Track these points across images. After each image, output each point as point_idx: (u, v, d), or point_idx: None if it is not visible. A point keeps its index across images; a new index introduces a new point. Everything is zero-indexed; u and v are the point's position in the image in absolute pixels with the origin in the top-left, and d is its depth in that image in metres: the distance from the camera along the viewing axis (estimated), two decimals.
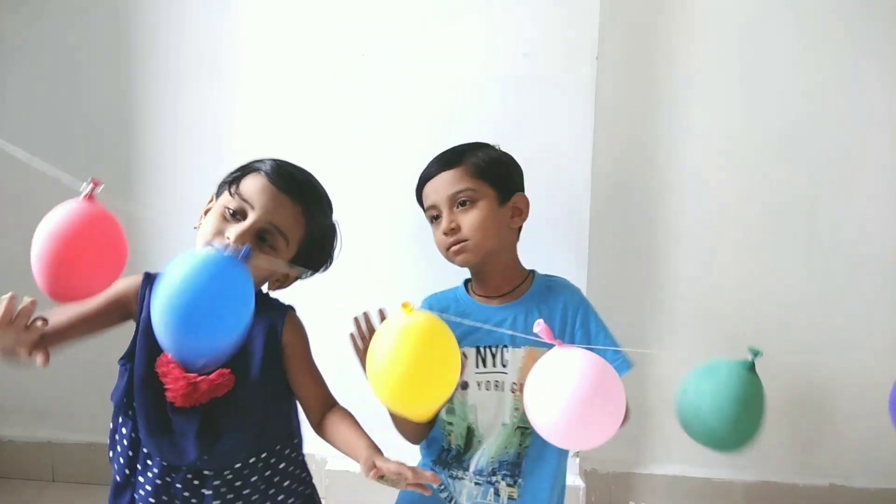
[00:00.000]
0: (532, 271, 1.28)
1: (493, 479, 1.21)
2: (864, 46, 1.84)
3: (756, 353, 0.89)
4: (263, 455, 1.11)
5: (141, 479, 1.07)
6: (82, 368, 2.11)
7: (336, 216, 1.19)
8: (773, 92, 1.86)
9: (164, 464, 1.06)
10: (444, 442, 1.25)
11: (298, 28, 1.90)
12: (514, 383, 1.19)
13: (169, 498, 1.07)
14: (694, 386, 0.90)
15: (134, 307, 1.09)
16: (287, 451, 1.15)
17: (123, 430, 1.09)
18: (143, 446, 1.07)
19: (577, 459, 1.87)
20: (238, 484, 1.09)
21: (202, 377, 1.03)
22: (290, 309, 1.16)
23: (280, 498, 1.14)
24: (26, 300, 0.91)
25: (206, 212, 1.11)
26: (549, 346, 1.16)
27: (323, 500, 1.26)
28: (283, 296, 1.18)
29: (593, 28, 1.72)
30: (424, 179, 1.24)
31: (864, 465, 1.95)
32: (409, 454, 1.27)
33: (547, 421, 0.79)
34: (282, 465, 1.14)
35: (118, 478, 1.10)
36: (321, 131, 1.87)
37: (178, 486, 1.07)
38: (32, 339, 0.92)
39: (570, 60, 1.74)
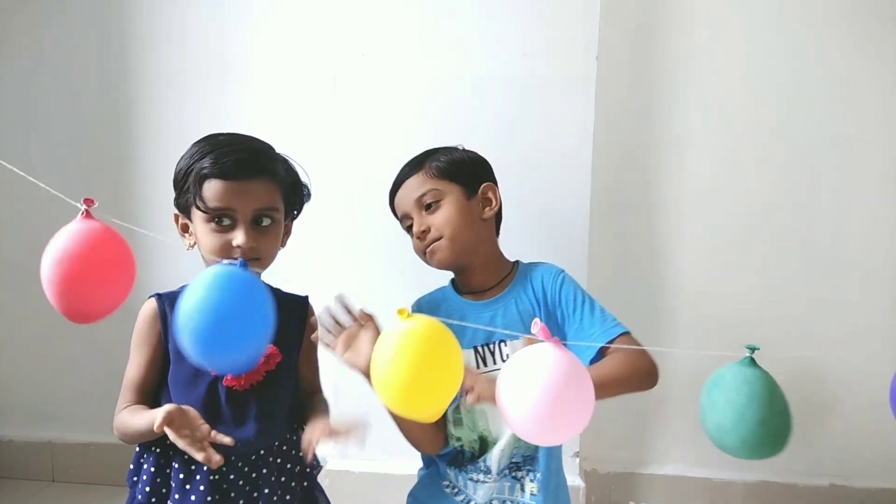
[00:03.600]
0: (517, 262, 1.27)
1: (518, 474, 1.20)
2: (865, 47, 1.84)
3: (753, 349, 0.88)
4: (295, 427, 1.18)
5: (187, 486, 1.08)
6: (82, 369, 2.11)
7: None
8: (773, 92, 1.86)
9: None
10: (455, 444, 1.24)
11: (298, 28, 1.90)
12: None
13: (221, 495, 1.09)
14: (708, 403, 0.89)
15: (160, 328, 1.12)
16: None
17: (152, 448, 1.10)
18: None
19: (577, 459, 1.87)
20: (282, 458, 1.14)
21: None
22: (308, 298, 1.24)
23: (308, 471, 1.20)
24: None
25: (184, 228, 1.13)
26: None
27: None
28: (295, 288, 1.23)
29: (593, 28, 1.72)
30: (393, 192, 1.26)
31: (864, 464, 1.95)
32: (413, 458, 1.27)
33: (515, 416, 0.79)
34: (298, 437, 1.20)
35: (140, 497, 1.10)
36: (321, 131, 1.87)
37: (232, 476, 1.09)
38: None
39: (570, 60, 1.74)
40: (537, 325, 0.79)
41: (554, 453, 1.23)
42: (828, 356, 1.90)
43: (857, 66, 1.85)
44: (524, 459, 1.20)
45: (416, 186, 1.20)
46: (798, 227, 1.90)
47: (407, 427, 1.17)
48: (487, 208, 1.22)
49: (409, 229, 1.23)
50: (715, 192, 1.91)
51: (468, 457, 1.22)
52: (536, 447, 1.20)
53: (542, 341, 1.15)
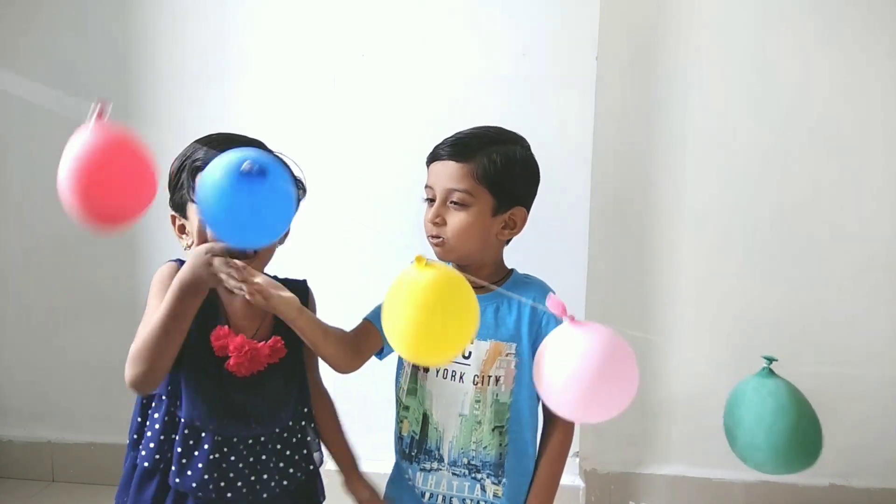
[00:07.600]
0: (512, 270, 1.26)
1: (479, 476, 1.20)
2: (865, 47, 1.84)
3: (770, 360, 0.88)
4: (299, 413, 1.19)
5: (184, 460, 1.08)
6: (82, 368, 2.11)
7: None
8: (773, 92, 1.86)
9: (217, 438, 1.09)
10: (397, 430, 1.24)
11: (298, 28, 1.90)
12: (477, 375, 1.17)
13: (220, 474, 1.08)
14: (733, 422, 0.87)
15: None
16: (306, 411, 1.22)
17: (156, 415, 1.10)
18: (194, 424, 1.08)
19: (577, 459, 1.87)
20: (283, 446, 1.15)
21: (262, 343, 1.09)
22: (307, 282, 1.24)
23: (305, 453, 1.21)
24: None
25: (181, 229, 1.12)
26: (513, 342, 1.17)
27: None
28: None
29: (593, 28, 1.73)
30: (434, 157, 1.19)
31: (864, 465, 1.95)
32: (388, 452, 1.28)
33: (557, 393, 0.79)
34: (303, 424, 1.21)
35: (146, 464, 1.09)
36: (321, 131, 1.87)
37: (233, 458, 1.10)
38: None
39: (570, 60, 1.74)
40: (552, 300, 0.79)
41: (524, 463, 1.22)
42: (828, 357, 1.90)
43: (858, 66, 1.85)
44: (483, 464, 1.19)
45: (453, 177, 1.14)
46: (799, 227, 1.90)
47: (321, 343, 1.13)
48: (508, 230, 1.19)
49: (428, 199, 1.20)
50: (714, 192, 1.91)
51: (407, 443, 1.22)
52: (501, 455, 1.19)
53: (510, 339, 1.17)
